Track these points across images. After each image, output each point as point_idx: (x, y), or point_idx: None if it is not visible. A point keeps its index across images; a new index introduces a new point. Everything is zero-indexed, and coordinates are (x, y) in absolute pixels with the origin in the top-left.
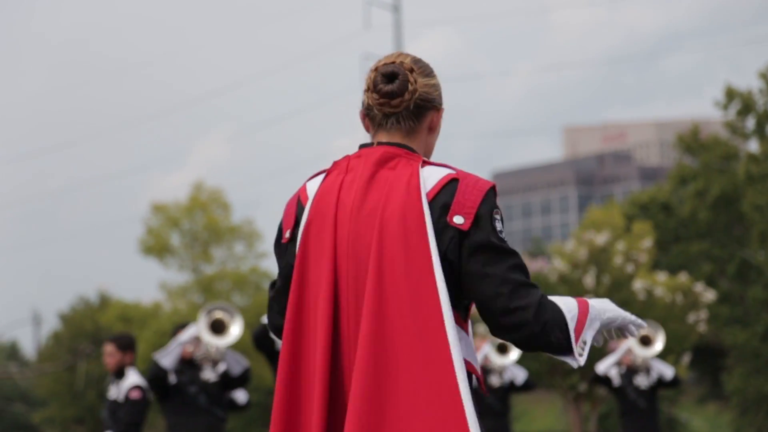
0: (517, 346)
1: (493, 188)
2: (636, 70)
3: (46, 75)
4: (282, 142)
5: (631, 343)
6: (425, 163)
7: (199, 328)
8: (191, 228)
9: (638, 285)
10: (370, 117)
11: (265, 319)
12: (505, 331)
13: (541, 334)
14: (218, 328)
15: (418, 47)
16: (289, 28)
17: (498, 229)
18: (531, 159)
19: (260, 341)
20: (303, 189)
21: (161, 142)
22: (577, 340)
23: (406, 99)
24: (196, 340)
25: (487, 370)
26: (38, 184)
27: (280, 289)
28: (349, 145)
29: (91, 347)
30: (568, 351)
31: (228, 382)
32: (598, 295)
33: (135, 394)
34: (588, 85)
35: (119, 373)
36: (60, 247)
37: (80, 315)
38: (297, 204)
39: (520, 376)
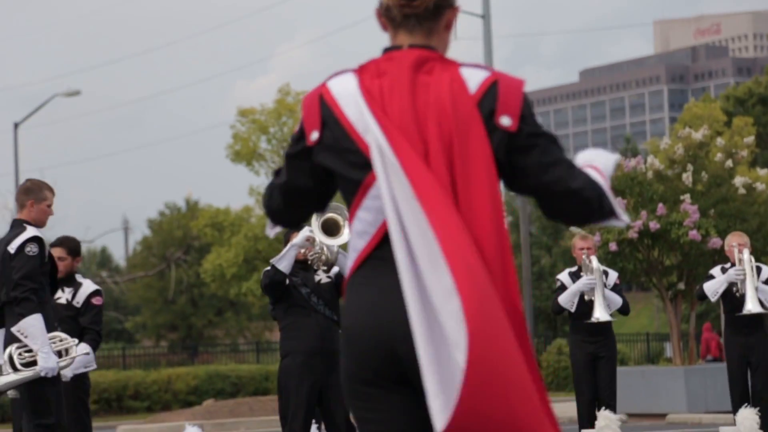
0: (575, 223)
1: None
2: None
3: None
4: (364, 46)
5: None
6: (460, 65)
7: (312, 229)
8: (279, 132)
9: (738, 181)
10: (388, 17)
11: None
12: (567, 212)
13: (599, 209)
14: (331, 229)
15: None
16: None
17: (538, 121)
18: (621, 55)
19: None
20: (325, 88)
21: (244, 47)
22: (617, 202)
23: (426, 1)
24: (310, 242)
25: (589, 301)
26: (125, 91)
27: (299, 184)
28: None
29: (181, 254)
30: (614, 214)
31: (341, 284)
32: (696, 194)
33: (98, 301)
34: None
35: (69, 278)
36: (148, 154)
37: (169, 222)
38: (320, 104)
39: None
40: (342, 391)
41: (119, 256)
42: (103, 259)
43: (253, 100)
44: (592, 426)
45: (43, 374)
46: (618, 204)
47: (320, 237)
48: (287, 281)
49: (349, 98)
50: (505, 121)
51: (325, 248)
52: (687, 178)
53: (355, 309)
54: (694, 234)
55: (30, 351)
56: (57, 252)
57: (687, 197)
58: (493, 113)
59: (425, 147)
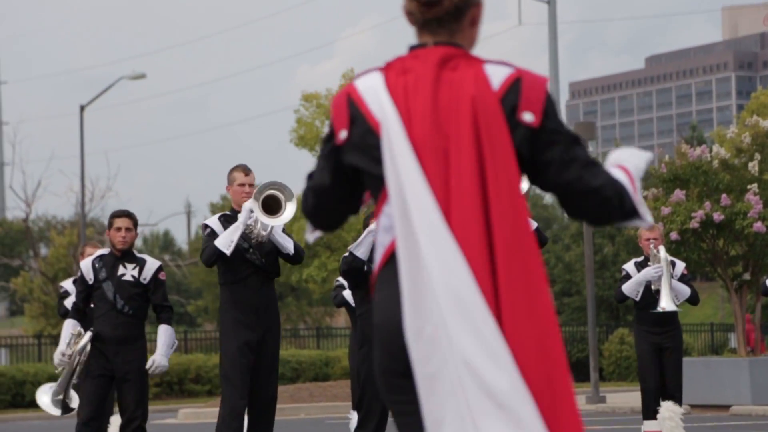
0: (596, 223)
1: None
2: None
3: None
4: None
5: None
6: (484, 62)
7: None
8: None
9: None
10: (411, 19)
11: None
12: (586, 211)
13: (619, 208)
14: None
15: None
16: None
17: (561, 119)
18: (688, 41)
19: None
20: (353, 88)
21: (309, 31)
22: (641, 202)
23: (445, 6)
24: None
25: (656, 290)
26: (190, 74)
27: (330, 185)
28: (501, 30)
29: None
30: (637, 214)
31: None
32: (763, 183)
33: (163, 275)
34: None
35: (131, 254)
36: (212, 138)
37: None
38: (348, 104)
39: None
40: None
41: (182, 240)
42: (166, 242)
43: (317, 84)
44: (655, 417)
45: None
46: (642, 204)
47: None
48: (365, 268)
49: (374, 95)
50: (528, 117)
51: None
52: (753, 167)
53: (385, 304)
54: (758, 226)
55: None
56: (124, 222)
57: (754, 187)
58: (515, 109)
59: (447, 143)
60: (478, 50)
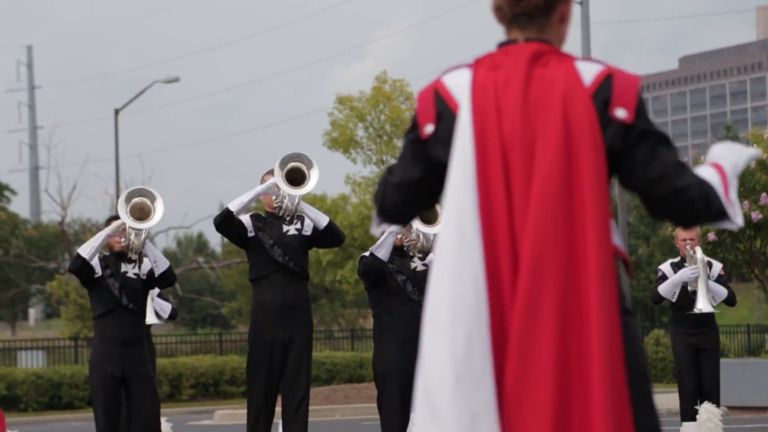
0: (681, 224)
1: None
2: None
3: None
4: (460, 33)
5: None
6: (576, 58)
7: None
8: (375, 120)
9: None
10: (500, 15)
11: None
12: (671, 212)
13: (705, 209)
14: (428, 216)
15: None
16: None
17: (651, 118)
18: (722, 41)
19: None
20: (440, 83)
21: (341, 33)
22: (730, 203)
23: (534, 0)
24: (408, 228)
25: (693, 291)
26: (222, 77)
27: (419, 179)
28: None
29: None
30: (725, 216)
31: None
32: None
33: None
34: None
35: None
36: (244, 141)
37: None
38: (435, 98)
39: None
40: None
41: (215, 242)
42: (200, 244)
43: (349, 86)
44: (694, 419)
45: None
46: (734, 205)
47: (417, 224)
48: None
49: (462, 92)
50: (621, 113)
51: (421, 235)
52: None
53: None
54: None
55: None
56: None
57: None
58: (607, 105)
59: (534, 138)
60: None
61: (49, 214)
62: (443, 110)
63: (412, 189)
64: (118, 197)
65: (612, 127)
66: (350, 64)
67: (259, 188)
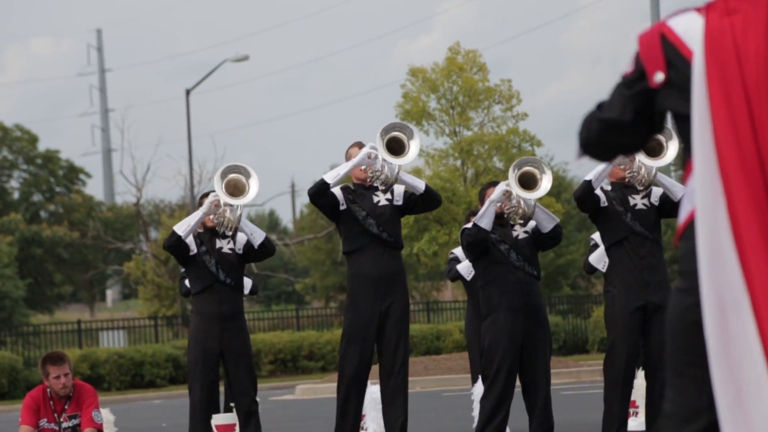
0: None
1: None
2: None
3: None
4: (524, 5)
5: None
6: None
7: (510, 183)
8: (448, 91)
9: None
10: None
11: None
12: None
13: None
14: (528, 183)
15: None
16: None
17: None
18: None
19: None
20: (666, 27)
21: (405, 6)
22: None
23: None
24: (506, 196)
25: None
26: (290, 55)
27: (628, 123)
28: None
29: None
30: None
31: (539, 238)
32: None
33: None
34: None
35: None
36: (314, 117)
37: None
38: (662, 43)
39: None
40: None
41: (287, 219)
42: (272, 222)
43: (416, 59)
44: None
45: None
46: None
47: (518, 191)
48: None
49: (695, 38)
50: None
51: (522, 202)
52: None
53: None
54: None
55: None
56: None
57: None
58: None
59: None
60: (573, 18)
61: (124, 196)
62: (674, 57)
63: (623, 131)
64: (191, 177)
65: None
66: (417, 36)
67: (355, 160)
